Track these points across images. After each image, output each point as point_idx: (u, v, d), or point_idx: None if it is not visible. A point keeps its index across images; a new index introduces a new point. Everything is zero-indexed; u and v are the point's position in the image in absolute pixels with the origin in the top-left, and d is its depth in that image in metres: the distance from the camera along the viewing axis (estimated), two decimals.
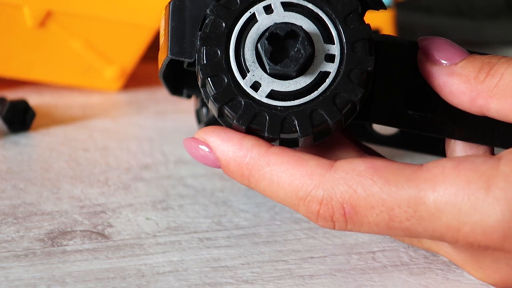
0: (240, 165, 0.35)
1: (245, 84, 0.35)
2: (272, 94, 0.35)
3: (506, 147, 0.36)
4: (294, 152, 0.35)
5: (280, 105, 0.35)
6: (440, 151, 0.43)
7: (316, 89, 0.35)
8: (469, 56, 0.35)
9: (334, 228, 0.34)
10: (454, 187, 0.32)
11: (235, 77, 0.35)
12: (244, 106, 0.35)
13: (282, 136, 0.35)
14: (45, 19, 0.58)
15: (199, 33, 0.35)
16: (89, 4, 0.59)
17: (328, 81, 0.35)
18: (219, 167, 0.36)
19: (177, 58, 0.36)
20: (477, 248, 0.33)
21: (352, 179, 0.33)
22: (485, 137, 0.37)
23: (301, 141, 0.35)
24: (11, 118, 0.54)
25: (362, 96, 0.35)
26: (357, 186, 0.33)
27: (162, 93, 0.62)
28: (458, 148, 0.37)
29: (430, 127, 0.37)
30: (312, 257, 0.39)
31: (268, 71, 0.35)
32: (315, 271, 0.37)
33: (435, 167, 0.33)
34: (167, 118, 0.58)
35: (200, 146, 0.36)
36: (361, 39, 0.35)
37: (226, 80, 0.35)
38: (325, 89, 0.35)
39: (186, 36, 0.36)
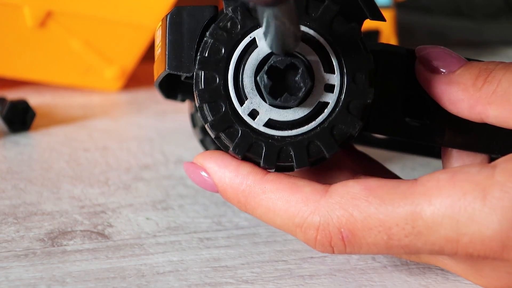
0: (237, 192, 0.35)
1: (243, 111, 0.35)
2: (270, 123, 0.35)
3: (504, 154, 0.36)
4: (289, 178, 0.35)
5: (277, 134, 0.35)
6: (436, 154, 0.43)
7: (314, 120, 0.35)
8: (466, 63, 0.35)
9: (333, 253, 0.34)
10: (450, 199, 0.32)
11: (233, 104, 0.35)
12: (241, 135, 0.34)
13: (278, 164, 0.35)
14: (45, 19, 0.58)
15: (198, 57, 0.35)
16: (89, 4, 0.59)
17: (326, 112, 0.35)
18: (218, 192, 0.36)
19: (175, 73, 0.36)
20: (477, 258, 0.32)
21: (348, 203, 0.33)
22: (484, 145, 0.36)
23: (296, 168, 0.35)
24: (11, 118, 0.54)
25: (360, 128, 0.35)
26: (353, 209, 0.33)
27: None
28: (454, 156, 0.37)
29: (429, 136, 0.37)
30: (312, 257, 0.39)
31: (267, 103, 0.35)
32: (315, 271, 0.37)
33: (429, 180, 0.32)
34: (167, 118, 0.58)
35: (198, 170, 0.36)
36: (362, 70, 0.34)
37: (223, 107, 0.34)
38: (323, 120, 0.35)
39: (184, 50, 0.35)
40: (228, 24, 0.35)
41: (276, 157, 0.34)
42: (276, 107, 0.35)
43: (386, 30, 0.64)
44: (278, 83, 0.34)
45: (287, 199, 0.34)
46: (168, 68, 0.36)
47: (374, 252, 0.34)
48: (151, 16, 0.59)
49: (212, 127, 0.35)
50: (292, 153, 0.34)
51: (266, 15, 0.30)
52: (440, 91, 0.35)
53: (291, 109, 0.35)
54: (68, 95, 0.62)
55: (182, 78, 0.37)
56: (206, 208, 0.44)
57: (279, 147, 0.34)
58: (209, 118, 0.35)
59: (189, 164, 0.37)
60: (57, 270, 0.37)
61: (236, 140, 0.34)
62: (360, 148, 0.44)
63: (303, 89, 0.34)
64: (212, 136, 0.35)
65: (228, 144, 0.35)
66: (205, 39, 0.35)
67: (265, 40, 0.33)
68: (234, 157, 0.35)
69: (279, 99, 0.34)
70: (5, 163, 0.50)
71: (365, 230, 0.33)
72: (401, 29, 0.67)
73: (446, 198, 0.32)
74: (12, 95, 0.59)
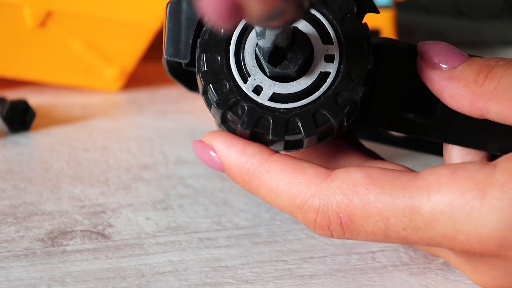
0: (242, 171, 0.35)
1: (247, 88, 0.35)
2: (274, 97, 0.35)
3: (504, 152, 0.36)
4: (294, 160, 0.35)
5: (282, 107, 0.35)
6: (440, 151, 0.43)
7: (318, 90, 0.35)
8: (468, 59, 0.35)
9: (332, 237, 0.34)
10: (449, 196, 0.32)
11: (237, 82, 0.35)
12: (247, 111, 0.35)
13: (287, 138, 0.35)
14: (45, 19, 0.58)
15: (199, 40, 0.35)
16: (89, 4, 0.59)
17: (328, 81, 0.35)
18: (223, 171, 0.36)
19: (172, 59, 0.36)
20: (473, 255, 0.33)
21: (348, 189, 0.33)
22: (484, 143, 0.36)
23: (305, 142, 0.35)
24: (12, 118, 0.54)
25: (363, 94, 0.35)
26: (353, 196, 0.33)
27: (162, 93, 0.62)
28: (455, 153, 0.37)
29: (429, 132, 0.37)
30: (312, 257, 0.39)
31: (268, 74, 0.35)
32: (315, 271, 0.37)
33: (430, 175, 0.33)
34: (167, 118, 0.58)
35: (206, 149, 0.36)
36: (359, 38, 0.35)
37: (228, 86, 0.35)
38: (326, 89, 0.35)
39: (182, 37, 0.36)
40: None
41: (284, 128, 0.35)
42: (279, 80, 0.35)
43: (386, 30, 0.64)
44: (277, 54, 0.35)
45: (289, 180, 0.34)
46: (166, 55, 0.36)
47: (373, 239, 0.34)
48: (151, 16, 0.59)
49: (218, 105, 0.35)
50: (299, 123, 0.35)
51: (266, 32, 0.31)
52: (441, 86, 0.35)
53: (294, 82, 0.35)
54: (68, 95, 0.62)
55: (183, 66, 0.37)
56: (206, 208, 0.44)
57: (286, 119, 0.35)
58: (215, 98, 0.35)
59: (198, 142, 0.37)
60: (57, 270, 0.37)
61: (243, 116, 0.35)
62: (369, 145, 0.44)
63: (302, 56, 0.34)
64: (218, 120, 0.36)
65: (235, 122, 0.35)
66: (202, 22, 0.36)
67: (257, 38, 0.34)
68: (242, 135, 0.36)
69: (278, 67, 0.34)
70: (5, 163, 0.50)
71: (363, 217, 0.33)
72: (401, 29, 0.67)
73: (445, 195, 0.32)
74: (12, 95, 0.59)
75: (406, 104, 0.37)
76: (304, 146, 0.36)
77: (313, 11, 0.36)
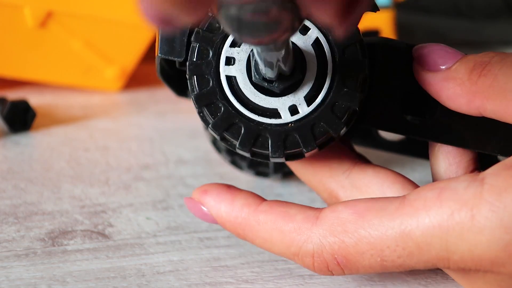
0: (234, 226, 0.36)
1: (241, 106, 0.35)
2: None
3: (504, 154, 0.36)
4: (282, 207, 0.35)
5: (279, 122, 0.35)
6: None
7: (313, 101, 0.35)
8: (462, 57, 0.35)
9: (333, 275, 0.34)
10: (438, 219, 0.32)
11: (232, 103, 0.35)
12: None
13: (287, 152, 0.35)
14: (45, 20, 0.58)
15: (187, 63, 0.35)
16: (90, 4, 0.59)
17: (323, 92, 0.35)
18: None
19: (166, 57, 0.36)
20: (469, 271, 0.33)
21: (338, 229, 0.33)
22: (482, 144, 0.36)
23: (306, 154, 0.35)
24: (12, 118, 0.54)
25: (361, 101, 0.35)
26: (344, 236, 0.33)
27: (162, 93, 0.62)
28: (441, 156, 0.37)
29: (428, 133, 0.36)
30: None
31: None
32: None
33: (416, 200, 0.32)
34: (167, 118, 0.58)
35: (198, 205, 0.37)
36: (352, 43, 0.35)
37: (223, 107, 0.35)
38: (322, 99, 0.35)
39: (176, 35, 0.36)
40: (209, 26, 0.35)
41: (283, 143, 0.34)
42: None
43: (386, 30, 0.65)
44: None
45: (280, 229, 0.34)
46: (160, 53, 0.36)
47: (372, 272, 0.34)
48: None
49: (215, 127, 0.34)
50: (298, 138, 0.34)
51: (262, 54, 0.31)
52: (438, 88, 0.35)
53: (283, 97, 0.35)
54: (69, 95, 0.62)
55: (177, 65, 0.37)
56: None
57: (284, 134, 0.35)
58: (211, 120, 0.35)
59: (189, 200, 0.37)
60: (58, 270, 0.37)
61: (240, 136, 0.34)
62: (360, 149, 0.44)
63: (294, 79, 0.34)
64: (218, 138, 0.35)
65: (233, 143, 0.35)
66: (192, 44, 0.35)
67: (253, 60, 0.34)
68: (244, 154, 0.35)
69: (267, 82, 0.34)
70: (6, 163, 0.50)
71: (358, 254, 0.33)
72: (401, 29, 0.67)
73: (433, 218, 0.32)
74: (12, 95, 0.59)
75: (404, 105, 0.37)
76: (305, 157, 0.35)
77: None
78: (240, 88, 0.35)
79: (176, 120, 0.57)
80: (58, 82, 0.62)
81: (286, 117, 0.34)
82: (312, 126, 0.34)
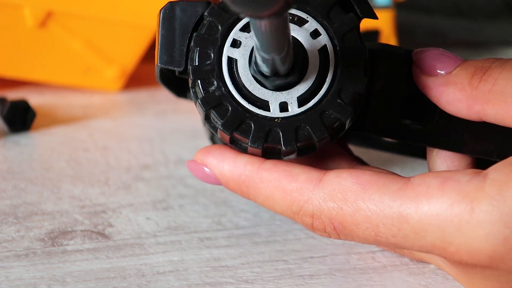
0: (238, 183, 0.36)
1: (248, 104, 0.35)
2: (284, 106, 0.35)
3: (502, 159, 0.36)
4: (285, 166, 0.35)
5: (286, 115, 0.35)
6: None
7: (305, 104, 0.35)
8: (462, 62, 0.35)
9: (330, 237, 0.35)
10: (437, 208, 0.32)
11: (226, 84, 0.35)
12: (254, 127, 0.34)
13: (266, 146, 0.35)
14: (45, 19, 0.58)
15: (189, 67, 0.35)
16: (90, 4, 0.59)
17: (328, 80, 0.35)
18: (221, 184, 0.37)
19: (166, 67, 0.36)
20: (466, 265, 0.33)
21: (339, 196, 0.34)
22: (482, 149, 0.36)
23: (283, 153, 0.35)
24: (12, 118, 0.54)
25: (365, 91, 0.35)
26: (343, 203, 0.33)
27: (162, 93, 0.62)
28: (439, 160, 0.37)
29: (427, 138, 0.36)
30: (312, 257, 0.39)
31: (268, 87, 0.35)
32: (315, 271, 0.37)
33: (419, 185, 0.32)
34: (167, 118, 0.58)
35: (200, 167, 0.37)
36: (356, 59, 0.34)
37: (215, 86, 0.35)
38: (327, 89, 0.35)
39: (176, 44, 0.36)
40: (208, 29, 0.35)
41: (295, 136, 0.34)
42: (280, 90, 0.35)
43: (386, 30, 0.64)
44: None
45: (283, 188, 0.35)
46: (159, 63, 0.36)
47: (367, 243, 0.34)
48: (151, 16, 0.59)
49: (225, 128, 0.34)
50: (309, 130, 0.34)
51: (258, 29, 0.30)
52: (437, 93, 0.35)
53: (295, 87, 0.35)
54: (69, 95, 0.62)
55: (177, 74, 0.37)
56: (206, 208, 0.44)
57: (295, 127, 0.35)
58: (220, 121, 0.35)
59: (191, 162, 0.38)
60: (58, 270, 0.37)
61: (225, 118, 0.34)
62: (359, 150, 0.44)
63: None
64: (227, 141, 0.35)
65: (244, 141, 0.35)
66: (195, 29, 0.35)
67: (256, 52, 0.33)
68: (253, 153, 0.35)
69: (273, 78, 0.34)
70: (6, 163, 0.50)
71: (354, 224, 0.33)
72: (401, 29, 0.67)
73: (432, 207, 0.32)
74: (12, 95, 0.59)
75: (403, 110, 0.36)
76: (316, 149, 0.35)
77: (314, 23, 0.35)
78: (238, 73, 0.35)
79: (176, 120, 0.57)
80: (58, 82, 0.62)
81: (275, 112, 0.35)
82: (297, 127, 0.34)
